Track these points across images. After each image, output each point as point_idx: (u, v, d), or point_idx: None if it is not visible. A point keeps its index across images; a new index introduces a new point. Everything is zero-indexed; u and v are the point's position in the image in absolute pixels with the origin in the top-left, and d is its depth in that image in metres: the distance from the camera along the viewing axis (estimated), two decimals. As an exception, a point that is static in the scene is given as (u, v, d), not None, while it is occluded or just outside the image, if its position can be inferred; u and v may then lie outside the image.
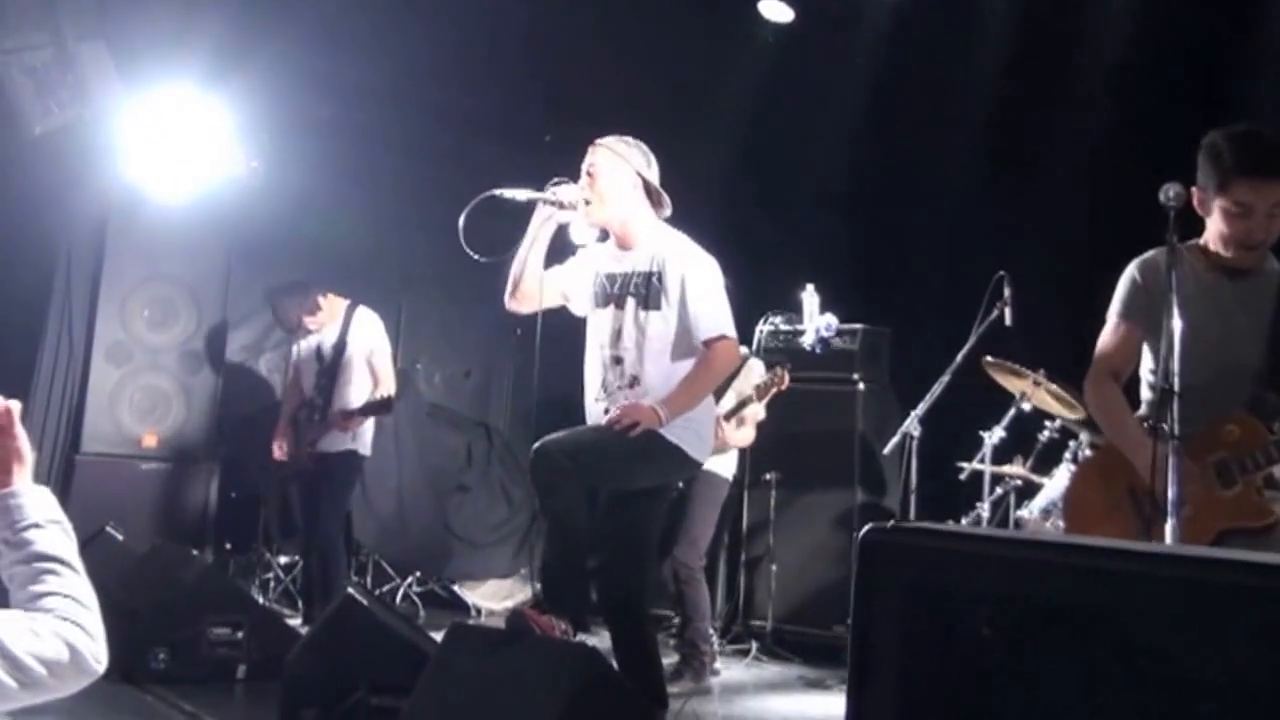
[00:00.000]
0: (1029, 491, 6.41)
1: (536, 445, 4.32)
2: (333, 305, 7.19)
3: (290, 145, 7.97)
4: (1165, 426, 3.04)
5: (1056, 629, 1.43)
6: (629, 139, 4.65)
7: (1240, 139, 3.41)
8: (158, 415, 7.68)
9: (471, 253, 4.44)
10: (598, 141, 4.64)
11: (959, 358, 6.24)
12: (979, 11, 7.48)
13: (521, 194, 4.52)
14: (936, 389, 6.30)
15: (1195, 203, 3.45)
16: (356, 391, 7.02)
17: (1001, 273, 6.23)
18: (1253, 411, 3.39)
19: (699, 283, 4.46)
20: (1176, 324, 3.19)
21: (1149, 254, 3.69)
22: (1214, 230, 3.44)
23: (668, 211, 4.66)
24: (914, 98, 7.79)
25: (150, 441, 7.64)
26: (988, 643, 1.45)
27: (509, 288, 4.67)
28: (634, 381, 4.50)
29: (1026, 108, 7.31)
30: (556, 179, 4.58)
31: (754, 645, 7.29)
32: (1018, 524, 6.39)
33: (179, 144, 7.45)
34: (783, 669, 7.07)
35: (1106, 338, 3.76)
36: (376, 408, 6.91)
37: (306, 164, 8.00)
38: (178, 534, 7.53)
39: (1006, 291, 6.21)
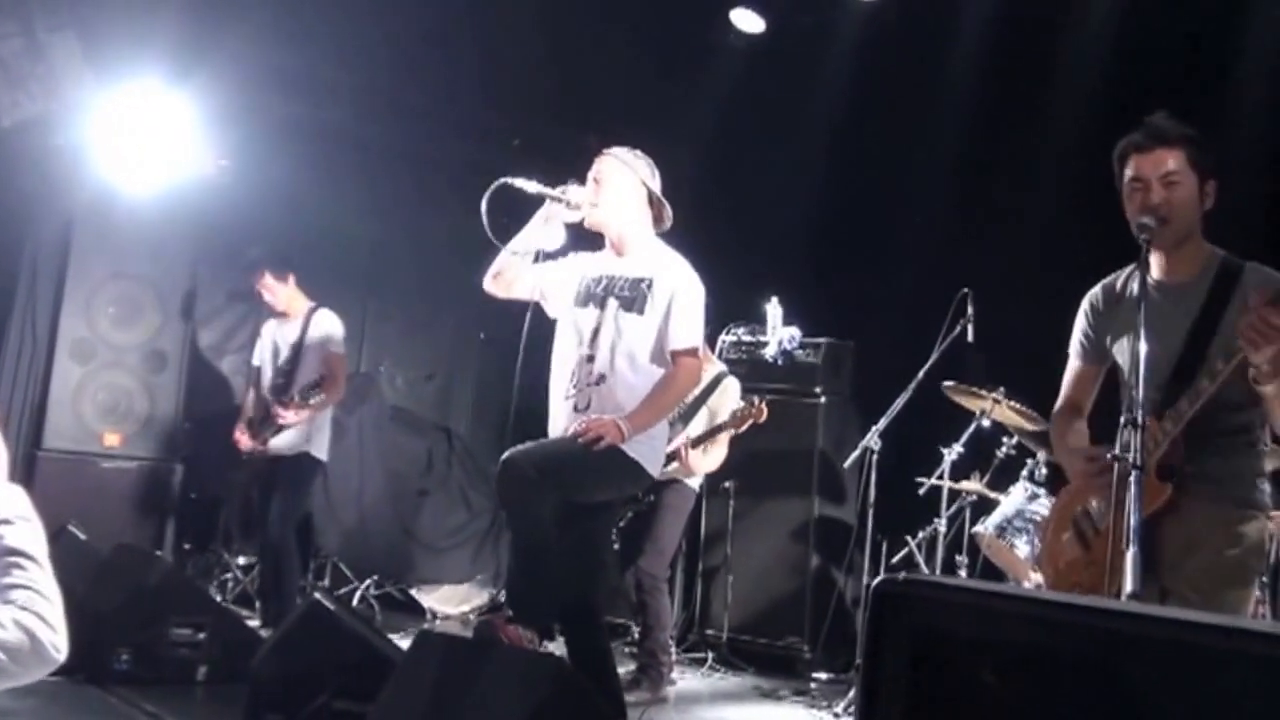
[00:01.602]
0: (985, 508, 6.48)
1: (504, 456, 4.33)
2: (296, 303, 7.16)
3: (258, 144, 7.95)
4: (1129, 457, 3.10)
5: (1057, 679, 1.48)
6: (637, 151, 4.74)
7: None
8: (120, 414, 7.64)
9: (495, 239, 4.51)
10: (606, 150, 4.73)
11: (921, 374, 6.32)
12: (949, 29, 7.56)
13: (532, 186, 4.59)
14: (898, 404, 6.38)
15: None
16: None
17: (965, 290, 6.33)
18: (1161, 404, 3.44)
19: (686, 298, 4.54)
20: (1142, 352, 3.26)
21: (1099, 284, 3.78)
22: (1130, 222, 3.50)
23: (667, 225, 4.74)
24: (883, 112, 7.87)
25: (112, 440, 7.59)
26: (990, 688, 1.51)
27: (492, 269, 4.73)
28: (600, 379, 4.54)
29: (996, 125, 7.40)
30: (570, 181, 4.66)
31: (709, 655, 7.34)
32: (973, 540, 6.49)
33: (147, 140, 7.41)
34: (738, 679, 7.12)
35: (1066, 375, 3.87)
36: (308, 390, 6.78)
37: (274, 163, 7.98)
38: (137, 533, 7.50)
39: (970, 308, 6.30)
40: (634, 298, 4.55)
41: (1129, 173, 3.50)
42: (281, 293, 7.12)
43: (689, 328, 4.54)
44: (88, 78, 7.16)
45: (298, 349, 7.06)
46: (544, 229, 4.70)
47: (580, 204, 4.62)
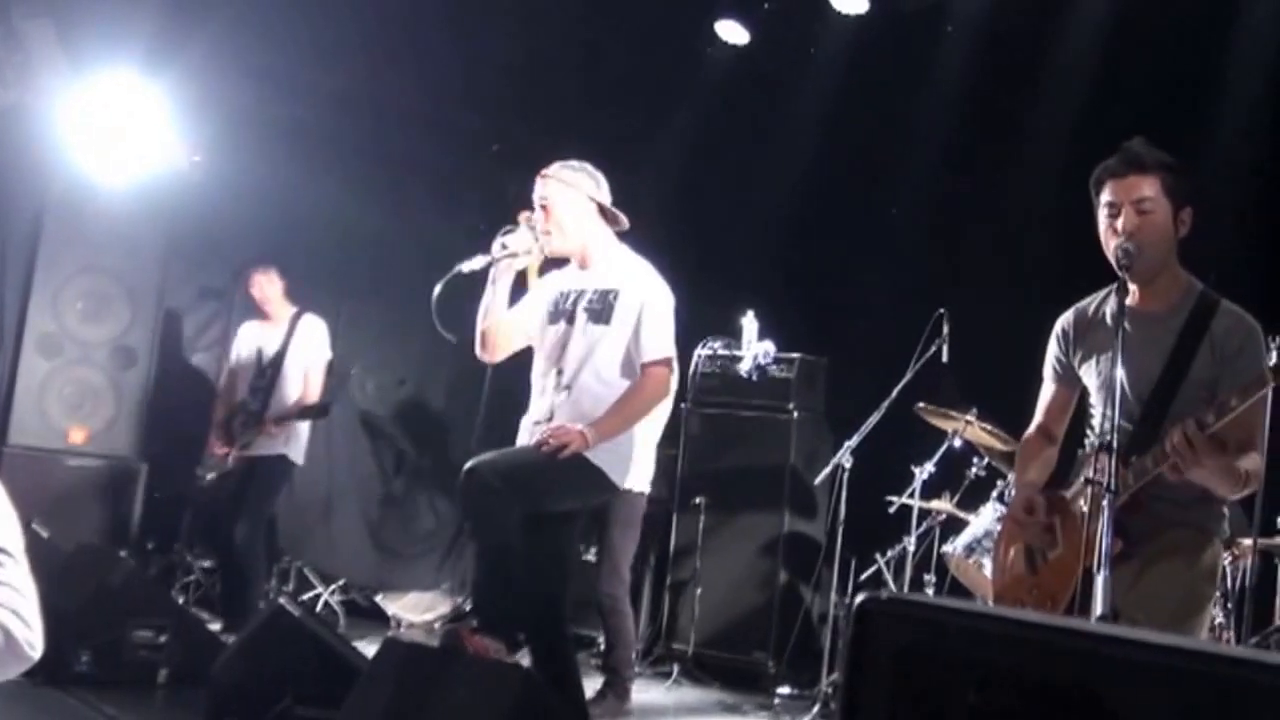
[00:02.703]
0: (954, 527, 6.49)
1: (467, 466, 4.32)
2: (280, 308, 7.20)
3: (233, 140, 7.89)
4: (1101, 480, 3.12)
5: (1042, 702, 1.47)
6: (574, 163, 4.71)
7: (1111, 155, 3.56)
8: (87, 411, 7.53)
9: (444, 332, 4.50)
10: (544, 172, 4.69)
11: (894, 392, 6.34)
12: (931, 49, 7.59)
13: (479, 262, 4.58)
14: (870, 422, 6.39)
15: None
16: (293, 398, 7.02)
17: (941, 310, 6.35)
18: (1128, 447, 3.45)
19: (655, 308, 4.54)
20: (1118, 378, 3.28)
21: (1071, 309, 3.80)
22: (1105, 248, 3.51)
23: (624, 226, 4.72)
24: (863, 129, 7.89)
25: (78, 437, 7.49)
26: (973, 708, 1.50)
27: (478, 341, 4.73)
28: (567, 391, 4.54)
29: (976, 145, 7.43)
30: (505, 228, 4.64)
31: (675, 668, 7.31)
32: (941, 559, 6.50)
33: (121, 134, 7.34)
34: (702, 693, 7.09)
35: (1040, 399, 3.88)
36: (312, 413, 6.88)
37: (249, 161, 7.92)
38: (100, 532, 7.40)
39: (945, 328, 6.33)
40: (601, 309, 4.55)
41: (1104, 198, 3.51)
42: (274, 295, 7.20)
43: (660, 338, 4.53)
44: (63, 68, 7.09)
45: (282, 354, 7.09)
46: (504, 285, 4.69)
47: (529, 247, 4.62)
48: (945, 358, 6.34)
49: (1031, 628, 1.58)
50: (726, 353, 7.65)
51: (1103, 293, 3.67)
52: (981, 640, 1.58)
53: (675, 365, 4.66)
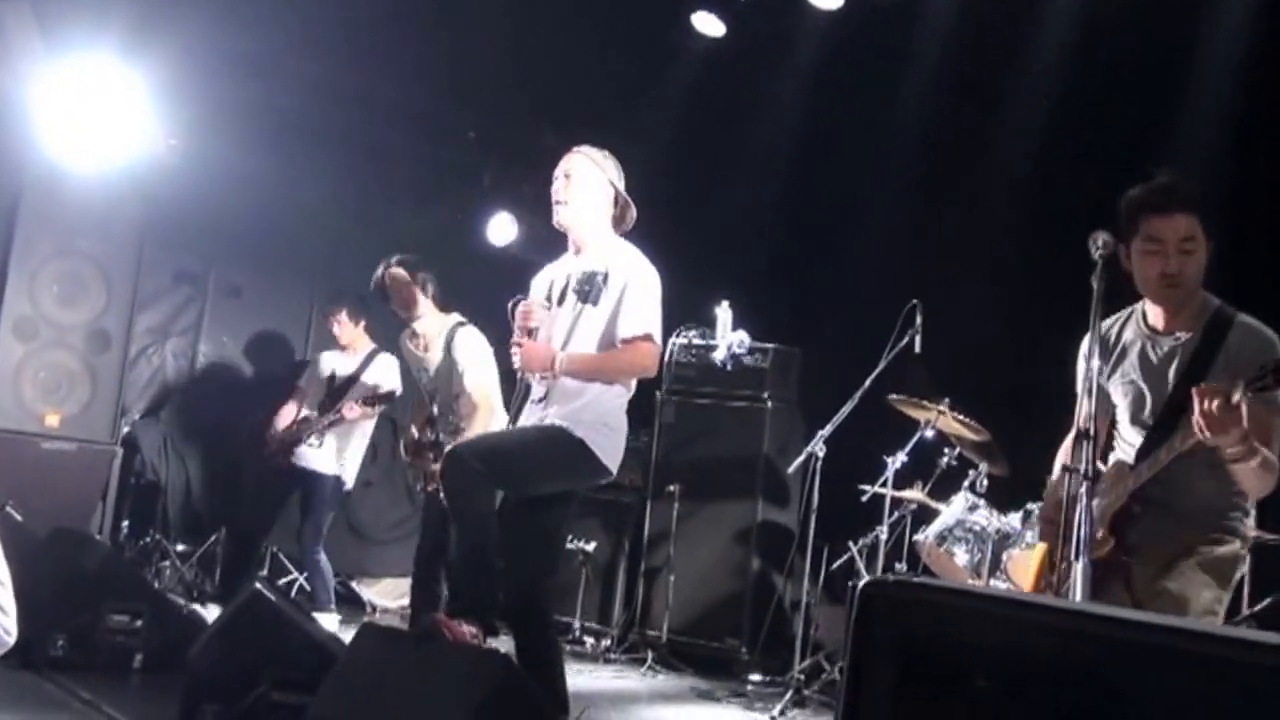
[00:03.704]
0: (926, 517, 6.56)
1: (449, 449, 4.36)
2: (360, 341, 7.55)
3: (211, 125, 7.84)
4: (1081, 468, 3.18)
5: (1047, 683, 1.50)
6: (605, 151, 4.80)
7: (1149, 183, 3.59)
8: (62, 394, 7.49)
9: None
10: (576, 149, 4.78)
11: (867, 383, 6.39)
12: (906, 44, 7.62)
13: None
14: (843, 412, 6.44)
15: (1125, 262, 3.59)
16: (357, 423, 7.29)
17: (914, 301, 6.40)
18: (1142, 451, 3.54)
19: (640, 288, 4.57)
20: (1094, 367, 3.36)
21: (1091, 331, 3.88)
22: (1139, 279, 3.57)
23: (629, 226, 4.80)
24: (839, 122, 7.92)
25: (53, 420, 7.45)
26: (982, 692, 1.52)
27: None
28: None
29: (950, 139, 7.47)
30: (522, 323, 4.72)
31: (649, 655, 7.37)
32: (913, 548, 6.56)
33: (97, 117, 7.29)
34: (676, 680, 7.15)
35: (1076, 413, 3.96)
36: (377, 399, 7.14)
37: (225, 145, 7.87)
38: (75, 516, 7.35)
39: (918, 319, 6.37)
40: (589, 290, 4.60)
41: (1146, 231, 3.54)
42: (349, 331, 7.53)
43: (640, 315, 4.56)
44: (40, 50, 7.05)
45: (352, 380, 7.41)
46: None
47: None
48: (918, 349, 6.38)
49: (1037, 610, 1.60)
50: (701, 342, 7.69)
51: (1125, 312, 3.76)
52: (993, 625, 1.60)
53: (658, 342, 4.66)
